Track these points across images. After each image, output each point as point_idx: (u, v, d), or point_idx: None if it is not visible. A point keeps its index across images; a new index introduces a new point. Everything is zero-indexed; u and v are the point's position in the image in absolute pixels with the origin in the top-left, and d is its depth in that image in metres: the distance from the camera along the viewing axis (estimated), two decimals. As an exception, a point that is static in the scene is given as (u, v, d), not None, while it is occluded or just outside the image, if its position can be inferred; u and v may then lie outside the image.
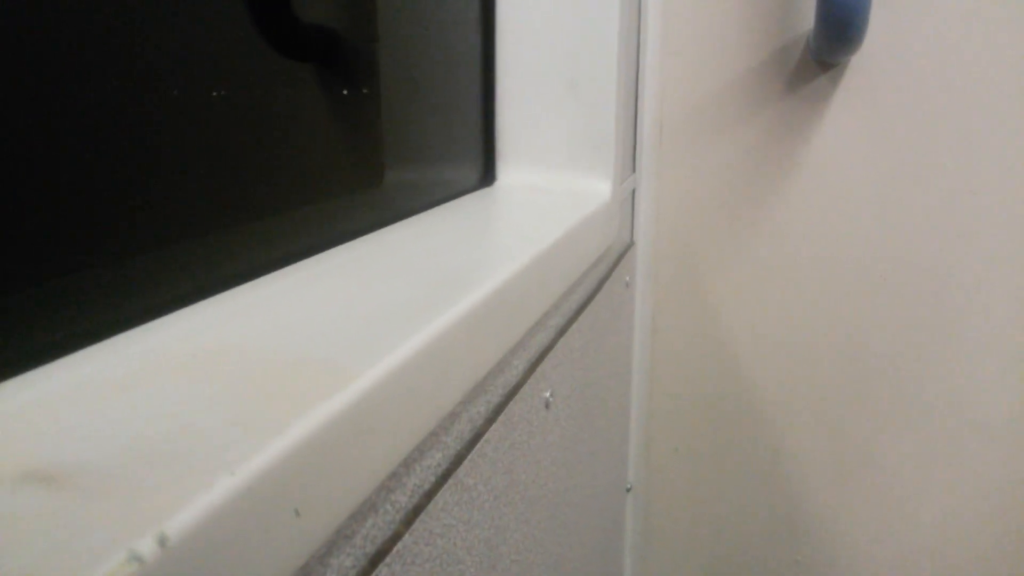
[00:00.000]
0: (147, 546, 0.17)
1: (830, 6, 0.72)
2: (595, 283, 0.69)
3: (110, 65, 0.32)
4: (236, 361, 0.28)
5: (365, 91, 0.53)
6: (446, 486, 0.36)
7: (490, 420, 0.42)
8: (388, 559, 0.30)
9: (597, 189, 0.68)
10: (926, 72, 0.80)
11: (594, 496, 0.74)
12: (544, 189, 0.68)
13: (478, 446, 0.40)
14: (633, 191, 0.88)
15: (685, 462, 1.00)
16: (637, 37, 0.81)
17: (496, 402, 0.44)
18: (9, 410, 0.24)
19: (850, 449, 0.93)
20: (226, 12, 0.40)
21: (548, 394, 0.53)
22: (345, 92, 0.52)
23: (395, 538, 0.31)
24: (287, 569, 0.23)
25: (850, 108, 0.83)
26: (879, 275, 0.87)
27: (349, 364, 0.28)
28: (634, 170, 0.87)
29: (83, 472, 0.20)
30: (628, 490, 1.00)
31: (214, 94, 0.39)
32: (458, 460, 0.38)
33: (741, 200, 0.89)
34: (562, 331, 0.57)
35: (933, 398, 0.88)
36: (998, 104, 0.78)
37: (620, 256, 0.80)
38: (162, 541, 0.18)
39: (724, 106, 0.87)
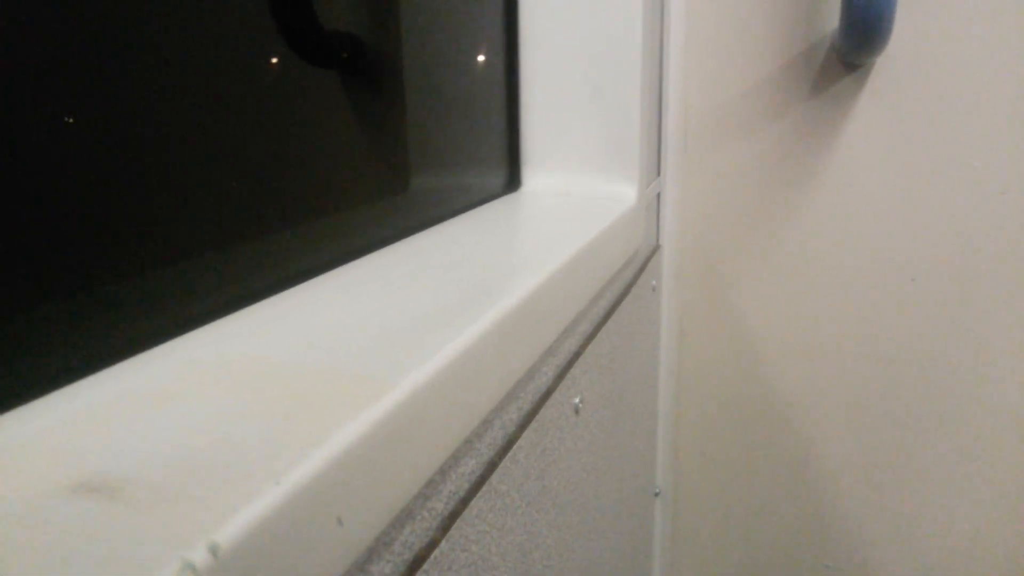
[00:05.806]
0: (199, 555, 0.18)
1: (855, 7, 0.71)
2: (622, 288, 0.68)
3: (139, 77, 0.33)
4: (273, 372, 0.28)
5: (391, 99, 0.54)
6: (480, 493, 0.36)
7: (522, 426, 0.42)
8: (426, 566, 0.31)
9: (622, 193, 0.68)
10: (952, 72, 0.79)
11: (623, 501, 0.74)
12: (569, 194, 0.68)
13: (511, 452, 0.40)
14: (658, 195, 0.88)
15: (713, 466, 0.99)
16: (660, 41, 0.81)
17: (527, 409, 0.44)
18: (59, 421, 0.24)
19: (880, 452, 0.91)
20: (253, 21, 0.40)
21: (577, 400, 0.53)
22: (371, 100, 0.53)
23: (432, 545, 0.32)
24: (330, 577, 0.23)
25: (876, 109, 0.82)
26: (907, 276, 0.85)
27: (386, 374, 0.28)
28: (659, 174, 0.86)
29: (134, 483, 0.21)
30: (656, 495, 0.99)
31: (242, 104, 0.39)
32: (491, 467, 0.38)
33: (767, 202, 0.89)
34: (590, 337, 0.57)
35: (962, 400, 0.87)
36: (1030, 101, 0.77)
37: (646, 260, 0.80)
38: (213, 550, 0.18)
39: (748, 108, 0.87)
